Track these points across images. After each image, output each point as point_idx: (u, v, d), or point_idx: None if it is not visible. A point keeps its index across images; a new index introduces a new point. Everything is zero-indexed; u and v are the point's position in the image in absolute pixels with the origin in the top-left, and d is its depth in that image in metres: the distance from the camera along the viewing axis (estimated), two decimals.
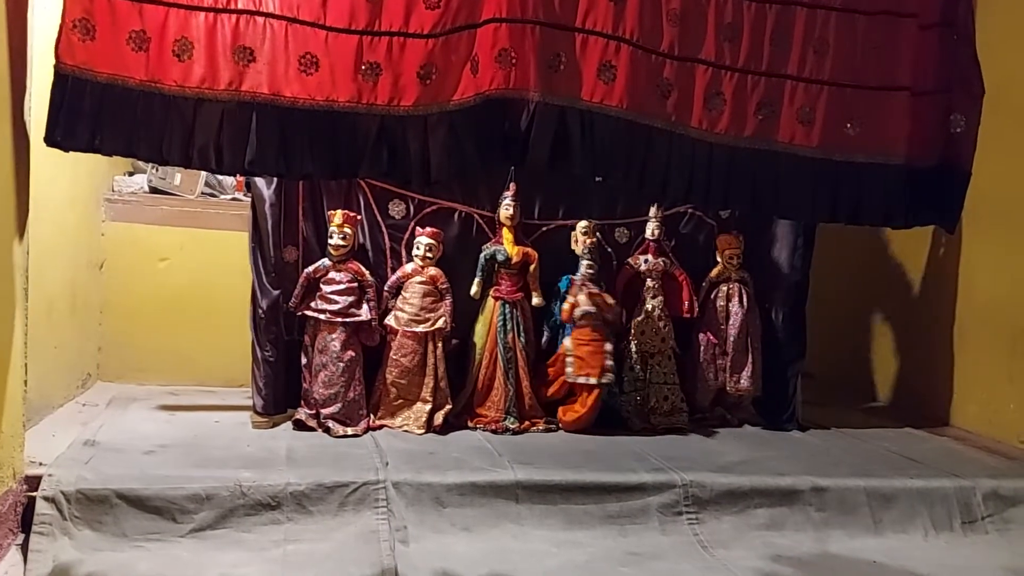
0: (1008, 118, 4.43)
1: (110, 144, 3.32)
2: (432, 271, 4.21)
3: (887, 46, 3.99)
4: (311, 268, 4.11)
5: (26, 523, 2.99)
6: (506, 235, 4.33)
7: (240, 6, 3.33)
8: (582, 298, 4.23)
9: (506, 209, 4.31)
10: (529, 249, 4.34)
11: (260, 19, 3.34)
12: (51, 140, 3.19)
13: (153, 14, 3.25)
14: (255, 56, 3.35)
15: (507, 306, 4.29)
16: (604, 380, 4.18)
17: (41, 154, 3.21)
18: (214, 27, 3.30)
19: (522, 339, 4.29)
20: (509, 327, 4.27)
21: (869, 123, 4.01)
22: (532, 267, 4.32)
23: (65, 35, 3.14)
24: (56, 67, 3.15)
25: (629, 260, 4.60)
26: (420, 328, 4.15)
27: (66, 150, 3.26)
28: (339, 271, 4.09)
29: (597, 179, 4.00)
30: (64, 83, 3.16)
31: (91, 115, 3.22)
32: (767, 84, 3.90)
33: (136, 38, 3.23)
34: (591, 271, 4.26)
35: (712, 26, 3.81)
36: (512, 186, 4.30)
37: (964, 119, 4.09)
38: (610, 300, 4.30)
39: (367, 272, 4.16)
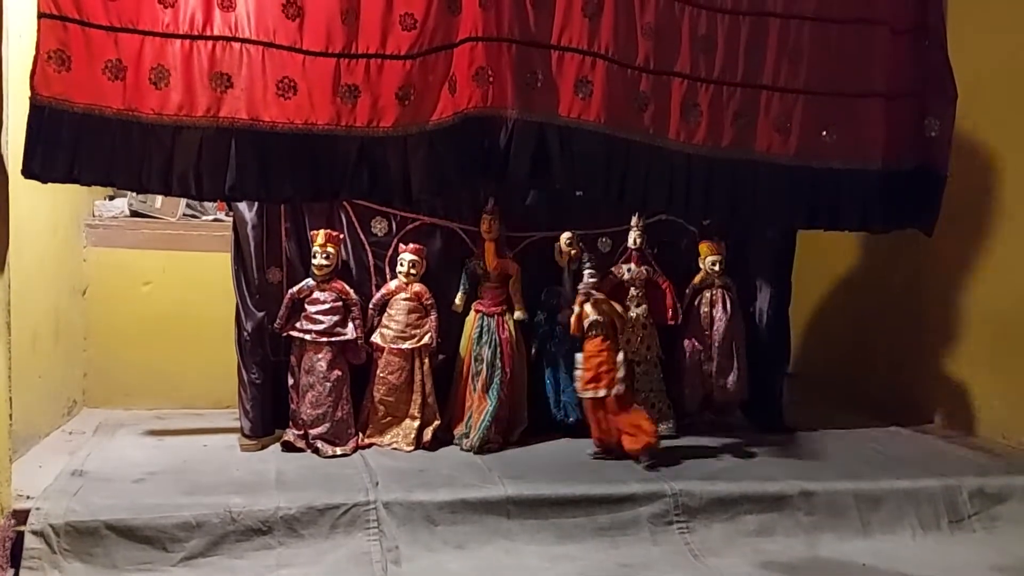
0: (982, 118, 4.49)
1: (88, 174, 3.30)
2: (416, 287, 4.22)
3: (861, 53, 4.02)
4: (295, 288, 4.10)
5: (15, 558, 2.96)
6: (487, 248, 4.34)
7: (216, 32, 3.32)
8: (588, 308, 4.15)
9: (484, 223, 4.32)
10: (509, 262, 4.34)
11: (236, 45, 3.34)
12: (28, 172, 3.17)
13: (128, 43, 3.24)
14: (232, 82, 3.35)
15: (485, 319, 4.30)
16: (614, 391, 4.04)
17: (20, 182, 3.19)
18: (190, 54, 3.30)
19: (489, 352, 4.23)
20: (484, 340, 4.27)
21: (845, 129, 4.05)
22: (512, 280, 4.32)
23: (40, 66, 3.12)
24: (32, 99, 3.12)
25: (612, 269, 4.60)
26: (406, 345, 4.16)
27: (44, 181, 3.24)
28: (323, 291, 4.09)
29: (578, 193, 4.00)
30: (40, 114, 3.14)
31: (69, 146, 3.19)
32: (743, 94, 3.92)
33: (112, 67, 3.22)
34: (593, 279, 4.16)
35: (686, 39, 3.83)
36: (491, 200, 4.31)
37: (938, 122, 4.12)
38: (618, 306, 4.24)
39: (351, 291, 4.16)
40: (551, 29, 3.64)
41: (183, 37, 3.29)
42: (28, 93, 3.13)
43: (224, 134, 3.36)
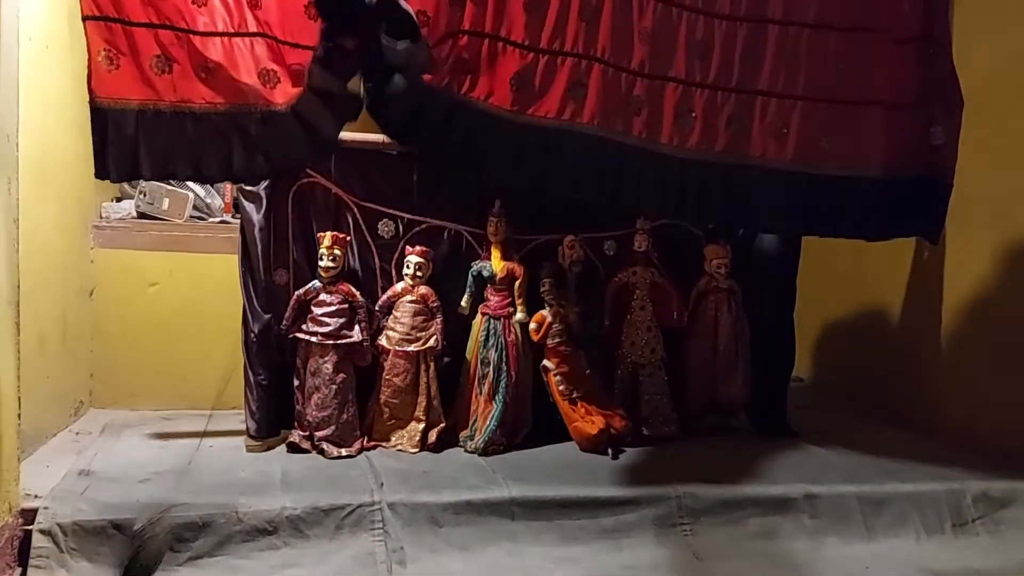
0: (987, 125, 4.48)
1: (148, 167, 3.37)
2: (422, 290, 4.23)
3: (860, 61, 4.00)
4: (302, 290, 4.12)
5: (23, 557, 2.98)
6: (494, 251, 4.36)
7: (251, 29, 3.39)
8: (546, 314, 4.30)
9: (491, 225, 4.34)
10: (515, 264, 4.36)
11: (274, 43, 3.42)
12: (101, 173, 3.28)
13: (169, 38, 3.31)
14: (279, 77, 3.41)
15: (492, 321, 4.31)
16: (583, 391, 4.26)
17: (28, 183, 3.23)
18: (231, 50, 3.36)
19: (495, 355, 4.26)
20: (491, 343, 4.28)
21: (844, 137, 4.01)
22: (518, 283, 4.33)
23: (94, 68, 3.21)
24: (91, 101, 3.23)
25: (617, 272, 4.62)
26: (412, 347, 4.17)
27: (116, 181, 3.35)
28: (330, 293, 4.10)
29: (576, 196, 4.01)
30: (102, 116, 3.24)
31: (130, 142, 3.29)
32: (737, 100, 3.90)
33: (159, 62, 3.30)
34: (543, 288, 4.32)
35: (683, 44, 3.80)
36: (497, 202, 4.33)
37: (943, 131, 4.12)
38: (572, 307, 4.34)
39: (358, 293, 4.17)
40: (547, 31, 3.64)
41: (222, 35, 3.36)
42: (39, 95, 3.17)
43: (279, 117, 3.43)
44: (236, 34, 3.37)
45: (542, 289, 4.32)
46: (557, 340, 4.29)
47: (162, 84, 3.31)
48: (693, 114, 3.86)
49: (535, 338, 4.30)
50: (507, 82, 3.60)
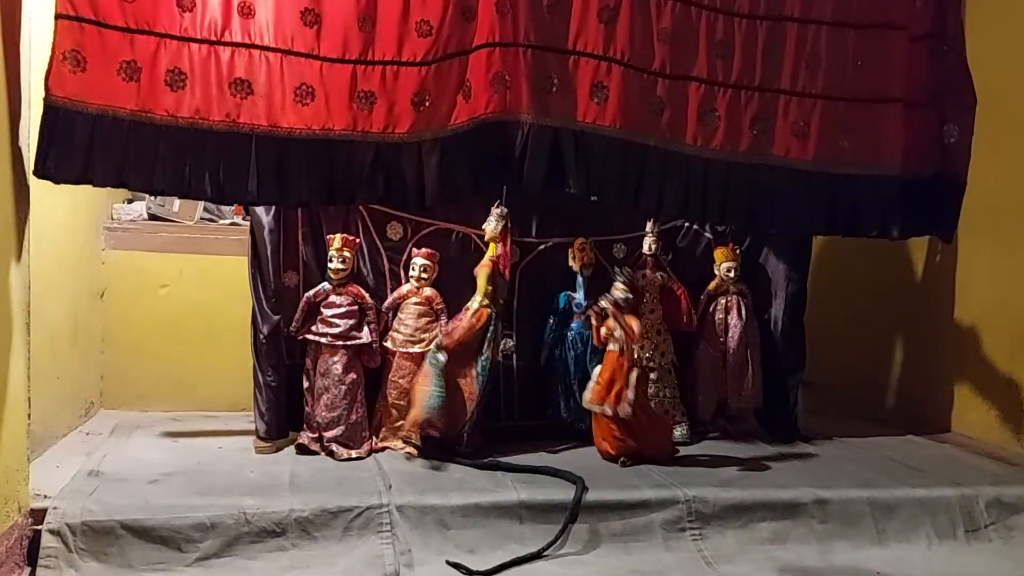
0: (1002, 126, 4.46)
1: (101, 175, 3.31)
2: (428, 291, 4.23)
3: (878, 59, 4.00)
4: (311, 292, 4.12)
5: (32, 557, 2.99)
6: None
7: (235, 39, 3.35)
8: (611, 322, 4.07)
9: (488, 224, 4.24)
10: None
11: (256, 52, 3.37)
12: (42, 172, 3.18)
13: (144, 45, 3.26)
14: (253, 88, 3.37)
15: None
16: (620, 413, 3.99)
17: (40, 185, 3.23)
18: (208, 59, 3.32)
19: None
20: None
21: (863, 135, 4.02)
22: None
23: (56, 67, 3.14)
24: (46, 99, 3.14)
25: None
26: (416, 349, 4.16)
27: (57, 182, 3.26)
28: (339, 294, 4.10)
29: (592, 199, 4.00)
30: (55, 115, 3.16)
31: (82, 146, 3.21)
32: (760, 99, 3.91)
33: (127, 69, 3.23)
34: (621, 294, 4.02)
35: (703, 43, 3.82)
36: (497, 202, 4.29)
37: (957, 129, 4.10)
38: (635, 323, 4.03)
39: (367, 295, 4.17)
40: (567, 34, 3.65)
41: (201, 42, 3.31)
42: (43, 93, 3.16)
43: (242, 139, 3.39)
44: (218, 42, 3.33)
45: (617, 290, 4.04)
46: (609, 348, 4.07)
47: (126, 91, 3.24)
48: (716, 114, 3.86)
49: (595, 342, 4.13)
50: (532, 88, 3.60)
